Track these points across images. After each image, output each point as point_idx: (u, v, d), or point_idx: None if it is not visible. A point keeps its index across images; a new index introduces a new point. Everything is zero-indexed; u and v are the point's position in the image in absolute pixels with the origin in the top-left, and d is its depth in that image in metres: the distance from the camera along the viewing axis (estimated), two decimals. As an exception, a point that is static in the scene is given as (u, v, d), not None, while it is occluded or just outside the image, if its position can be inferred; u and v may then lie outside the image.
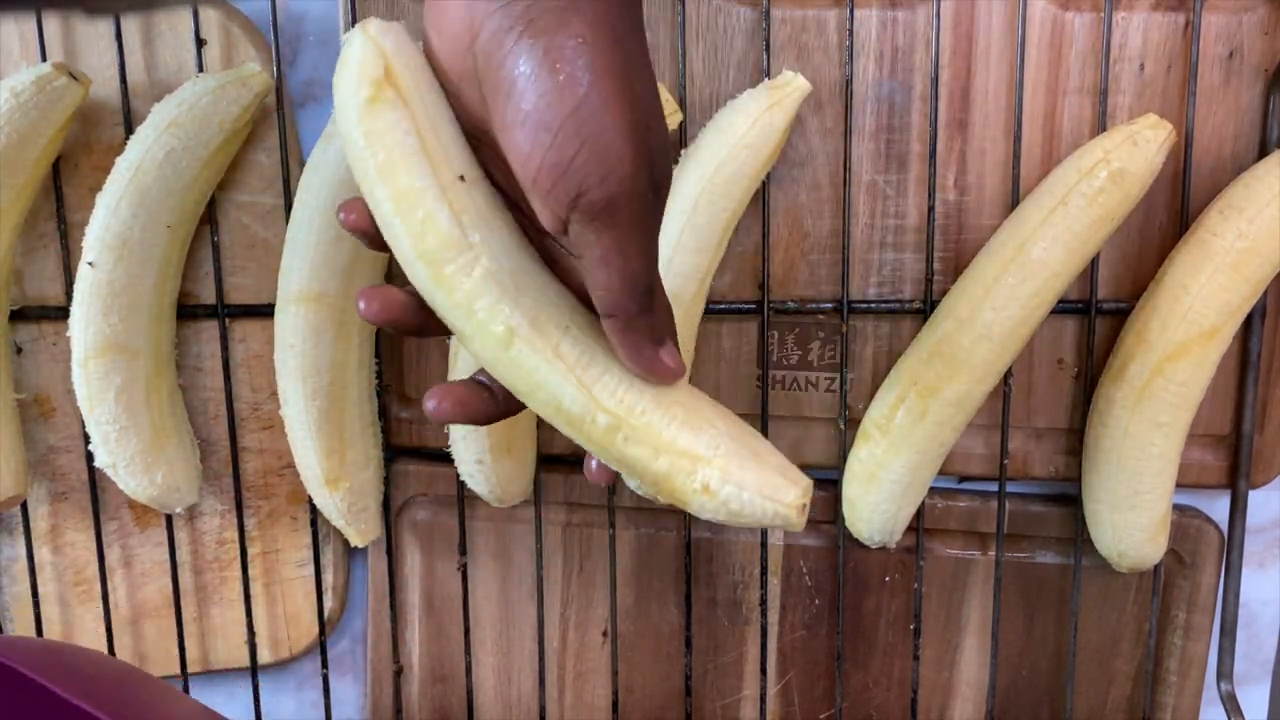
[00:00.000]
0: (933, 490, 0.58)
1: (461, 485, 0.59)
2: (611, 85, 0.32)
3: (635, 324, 0.35)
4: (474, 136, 0.36)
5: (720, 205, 0.52)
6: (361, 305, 0.37)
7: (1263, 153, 0.53)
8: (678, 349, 0.37)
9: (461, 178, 0.35)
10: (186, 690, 0.63)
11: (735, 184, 0.52)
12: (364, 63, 0.34)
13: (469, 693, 0.62)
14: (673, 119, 0.53)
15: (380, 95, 0.34)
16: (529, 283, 0.36)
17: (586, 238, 0.33)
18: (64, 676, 0.41)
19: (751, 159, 0.52)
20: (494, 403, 0.39)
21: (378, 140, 0.34)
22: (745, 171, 0.52)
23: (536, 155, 0.32)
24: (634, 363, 0.36)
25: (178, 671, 0.63)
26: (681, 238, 0.52)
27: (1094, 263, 0.54)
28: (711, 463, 0.36)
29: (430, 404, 0.38)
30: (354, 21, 0.56)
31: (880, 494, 0.54)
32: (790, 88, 0.52)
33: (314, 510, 0.61)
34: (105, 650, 0.63)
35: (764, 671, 0.60)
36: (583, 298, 0.38)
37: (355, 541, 0.59)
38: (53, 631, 0.64)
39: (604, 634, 0.62)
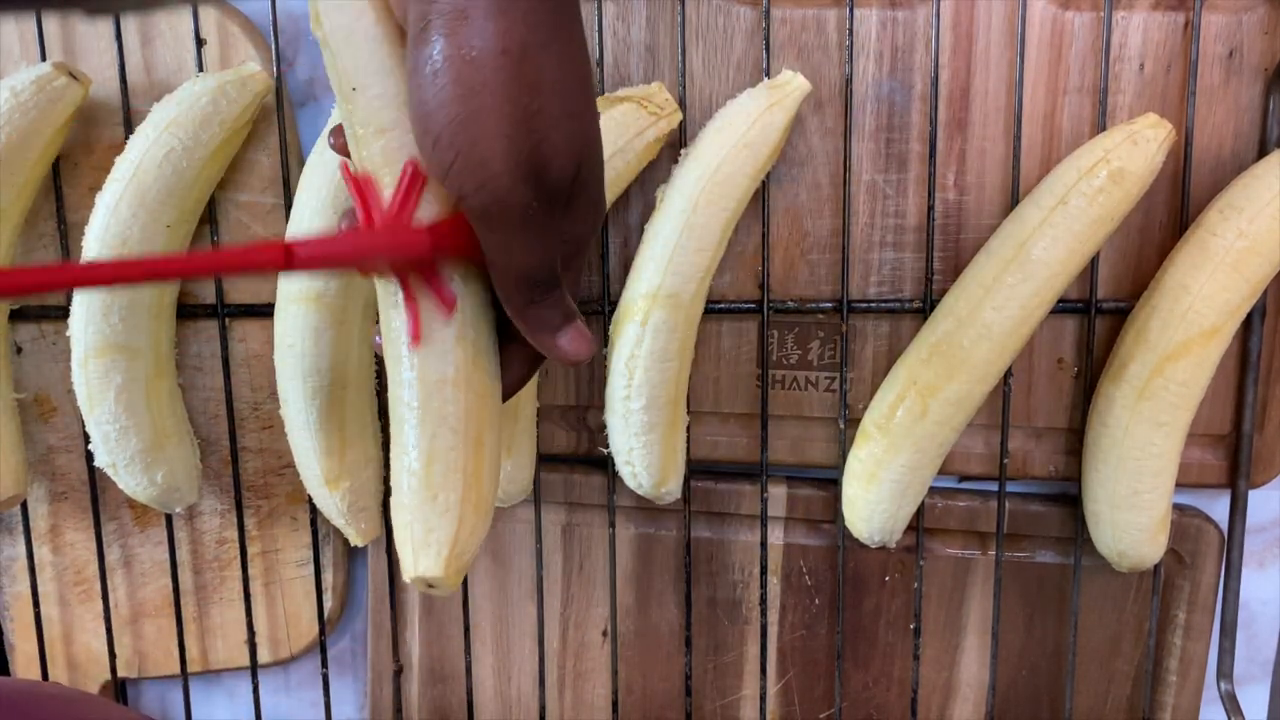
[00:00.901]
0: (933, 490, 0.58)
1: (461, 485, 0.59)
2: (496, 99, 0.33)
3: (525, 315, 0.37)
4: None
5: (720, 205, 0.52)
6: (332, 140, 0.40)
7: (1263, 152, 0.53)
8: (581, 332, 0.38)
9: None
10: (186, 691, 0.63)
11: (735, 183, 0.52)
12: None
13: (469, 693, 0.62)
14: (673, 119, 0.53)
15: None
16: None
17: (479, 234, 0.36)
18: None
19: (751, 158, 0.52)
20: None
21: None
22: (745, 171, 0.52)
23: (424, 151, 0.34)
24: (538, 347, 0.38)
25: (177, 671, 0.63)
26: (681, 238, 0.52)
27: (1094, 262, 0.54)
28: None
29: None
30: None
31: (880, 493, 0.54)
32: (790, 87, 0.52)
33: (314, 510, 0.61)
34: (105, 651, 0.63)
35: (764, 671, 0.60)
36: None
37: (355, 541, 0.59)
38: (53, 631, 0.64)
39: (604, 634, 0.62)
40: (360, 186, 0.37)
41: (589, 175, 0.36)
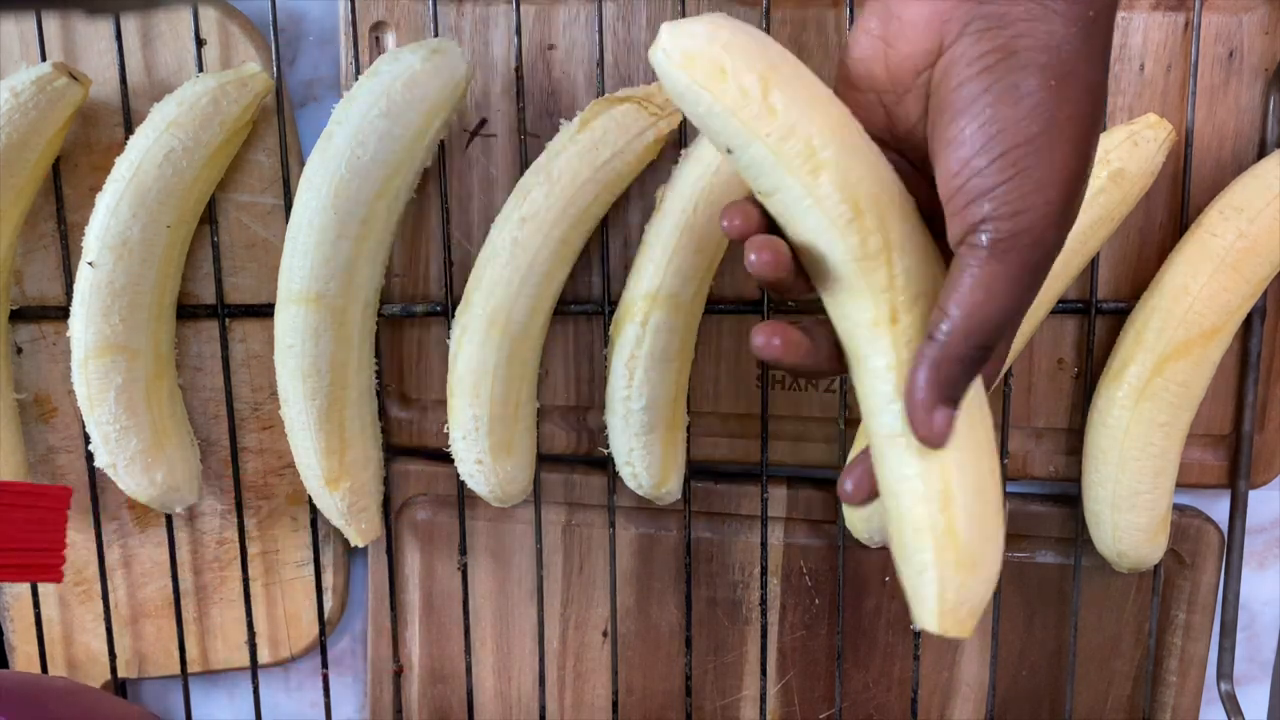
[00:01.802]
0: (933, 490, 0.58)
1: (461, 485, 0.59)
2: (1067, 133, 0.32)
3: (946, 364, 0.34)
4: (887, 141, 0.37)
5: (720, 205, 0.52)
6: (753, 258, 0.35)
7: (1263, 153, 0.53)
8: (953, 421, 0.35)
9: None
10: (186, 690, 0.63)
11: (734, 184, 0.52)
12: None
13: (469, 693, 0.62)
14: (673, 119, 0.53)
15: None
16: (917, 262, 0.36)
17: (968, 263, 0.33)
18: (19, 714, 0.40)
19: None
20: (814, 355, 0.38)
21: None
22: None
23: (964, 175, 0.33)
24: (909, 394, 0.35)
25: (177, 671, 0.63)
26: (681, 238, 0.52)
27: (1094, 263, 0.54)
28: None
29: (759, 339, 0.37)
30: (354, 21, 0.56)
31: (880, 494, 0.54)
32: None
33: (314, 510, 0.61)
34: (105, 651, 0.63)
35: (764, 671, 0.60)
36: None
37: (355, 541, 0.59)
38: (53, 631, 0.64)
39: (604, 634, 0.62)
40: None
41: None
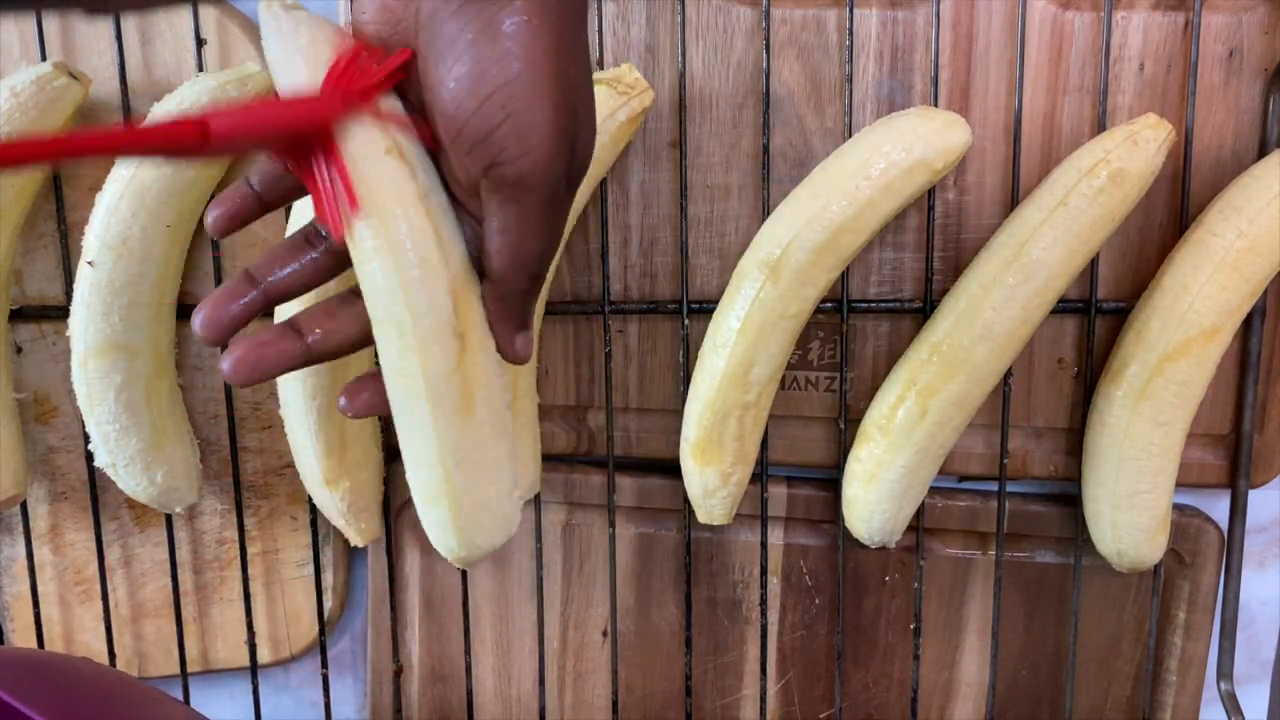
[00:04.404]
0: (933, 490, 0.58)
1: (461, 485, 0.59)
2: (547, 67, 0.33)
3: (510, 299, 0.37)
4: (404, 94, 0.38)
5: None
6: (342, 402, 0.41)
7: (1263, 153, 0.53)
8: (531, 339, 0.39)
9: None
10: (186, 690, 0.63)
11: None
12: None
13: (469, 692, 0.62)
14: (644, 97, 0.53)
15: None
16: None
17: (492, 205, 0.35)
18: (39, 693, 0.40)
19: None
20: (302, 349, 0.39)
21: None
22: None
23: (460, 118, 0.33)
24: (496, 331, 0.38)
25: (177, 671, 0.63)
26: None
27: (1094, 263, 0.54)
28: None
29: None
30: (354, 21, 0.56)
31: (880, 494, 0.54)
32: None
33: (314, 510, 0.61)
34: (105, 651, 0.63)
35: (764, 671, 0.60)
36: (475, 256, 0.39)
37: (355, 541, 0.59)
38: (53, 631, 0.64)
39: (604, 634, 0.62)
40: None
41: (585, 172, 0.37)
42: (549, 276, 0.41)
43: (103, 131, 0.32)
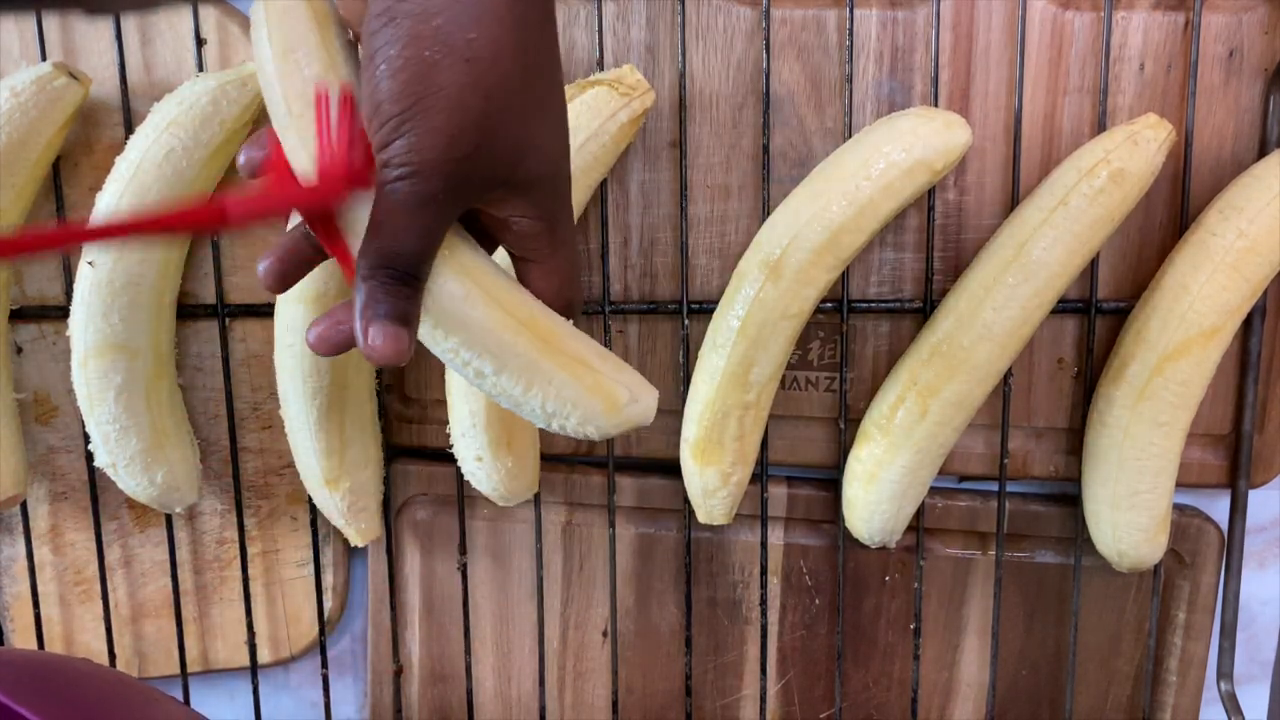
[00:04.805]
0: (933, 490, 0.58)
1: (461, 485, 0.59)
2: (444, 99, 0.35)
3: (362, 285, 0.37)
4: None
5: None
6: (310, 336, 0.40)
7: (1263, 153, 0.53)
8: (404, 335, 0.37)
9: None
10: (186, 690, 0.63)
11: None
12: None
13: (469, 693, 0.62)
14: (645, 98, 0.53)
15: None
16: None
17: (378, 194, 0.36)
18: (41, 696, 0.40)
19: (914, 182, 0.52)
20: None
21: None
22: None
23: (369, 122, 0.36)
24: (355, 324, 0.37)
25: (178, 671, 0.63)
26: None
27: (1094, 263, 0.54)
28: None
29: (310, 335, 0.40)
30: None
31: (880, 494, 0.54)
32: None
33: (314, 510, 0.61)
34: (105, 651, 0.63)
35: (764, 671, 0.60)
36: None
37: (355, 541, 0.59)
38: (53, 631, 0.64)
39: (604, 634, 0.62)
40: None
41: (550, 170, 0.38)
42: (559, 231, 0.40)
43: (127, 220, 0.34)
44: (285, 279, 0.41)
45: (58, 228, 0.31)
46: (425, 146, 0.35)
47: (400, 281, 0.37)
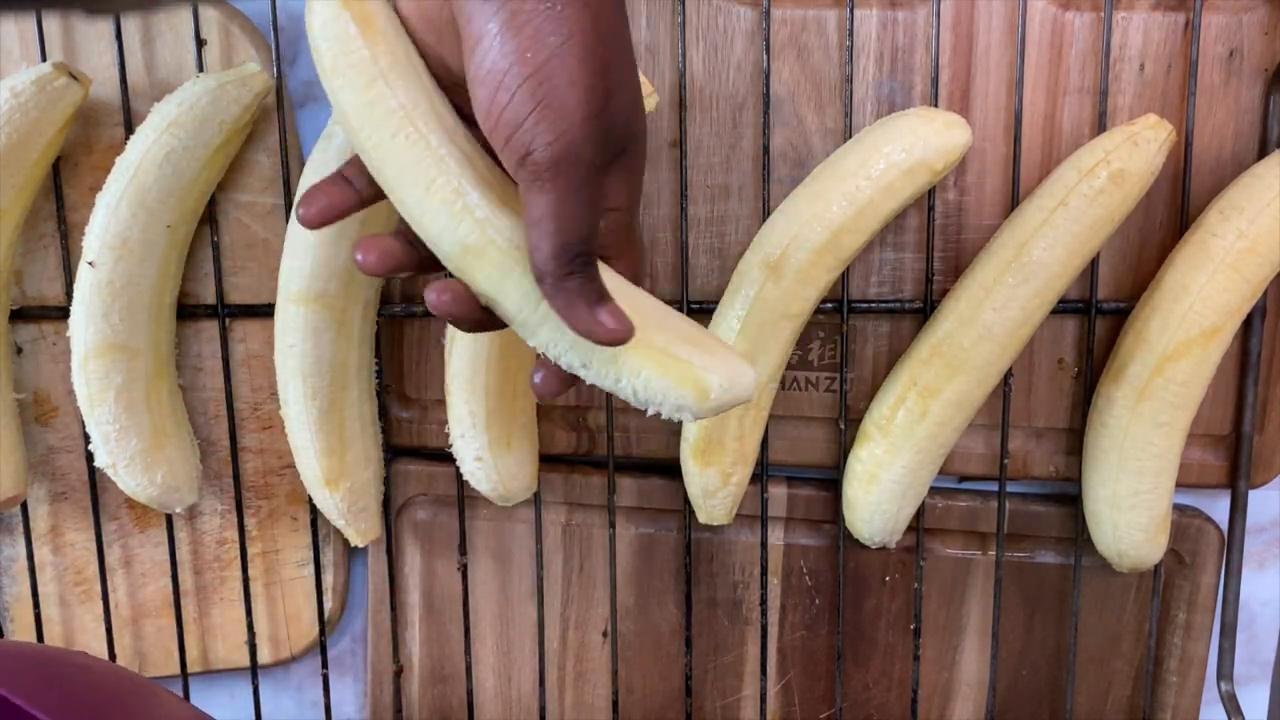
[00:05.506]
0: (933, 490, 0.58)
1: (461, 485, 0.59)
2: (575, 52, 0.33)
3: (563, 286, 0.36)
4: (451, 87, 0.38)
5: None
6: (359, 257, 0.39)
7: (1263, 153, 0.53)
8: (619, 312, 0.37)
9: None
10: (186, 691, 0.63)
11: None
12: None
13: (469, 693, 0.62)
14: (649, 100, 0.53)
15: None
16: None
17: (529, 198, 0.35)
18: (39, 689, 0.40)
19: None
20: (415, 256, 0.40)
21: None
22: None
23: (495, 112, 0.34)
24: (571, 325, 0.37)
25: (178, 671, 0.63)
26: None
27: (1094, 263, 0.54)
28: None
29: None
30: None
31: (880, 494, 0.54)
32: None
33: (314, 510, 0.61)
34: (105, 651, 0.63)
35: (764, 671, 0.60)
36: None
37: (355, 541, 0.59)
38: (53, 631, 0.64)
39: (604, 634, 0.62)
40: None
41: (641, 143, 0.37)
42: (636, 221, 0.41)
43: None
44: (325, 219, 0.41)
45: None
46: (570, 106, 0.33)
47: (590, 264, 0.36)
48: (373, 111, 0.37)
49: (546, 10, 0.33)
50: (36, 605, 0.62)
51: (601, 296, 0.36)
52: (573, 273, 0.36)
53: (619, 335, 0.36)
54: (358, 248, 0.39)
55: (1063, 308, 0.54)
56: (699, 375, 0.38)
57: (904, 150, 0.51)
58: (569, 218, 0.35)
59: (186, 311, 0.59)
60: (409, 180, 0.37)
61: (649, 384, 0.38)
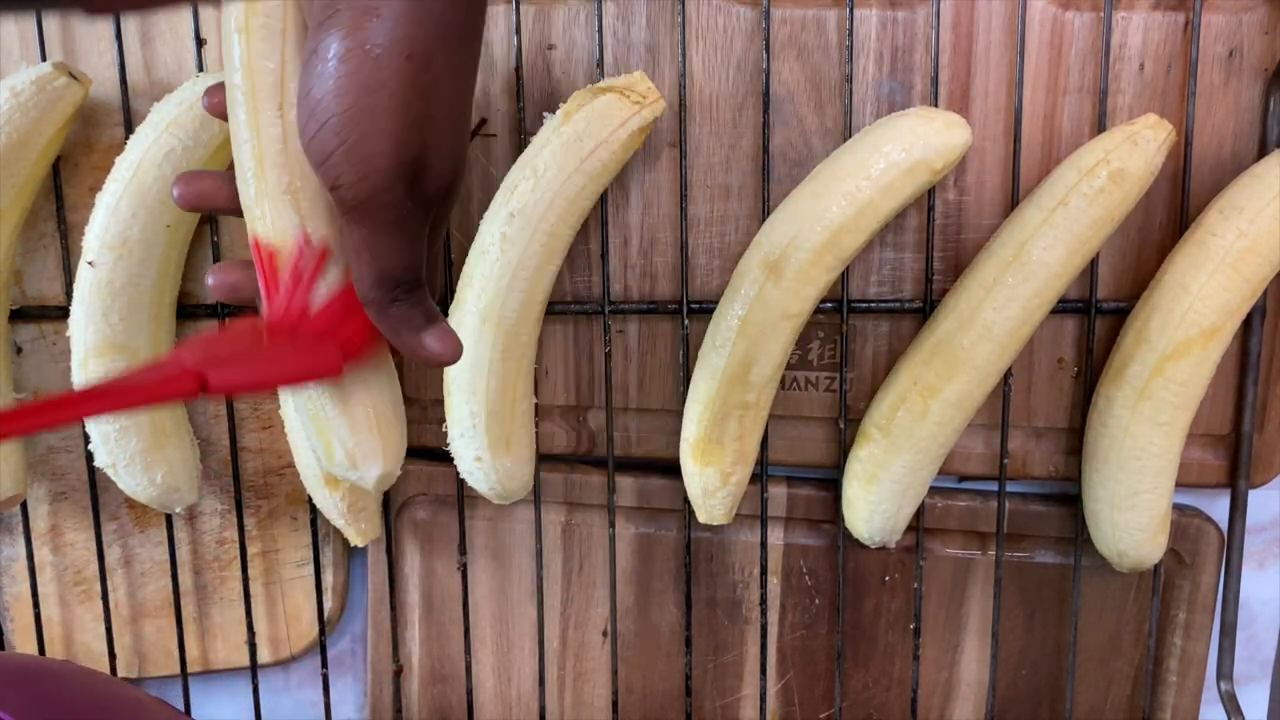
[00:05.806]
0: (933, 490, 0.58)
1: (461, 484, 0.59)
2: (386, 104, 0.33)
3: (387, 313, 0.37)
4: None
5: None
6: (176, 193, 0.41)
7: (1263, 152, 0.53)
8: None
9: None
10: (186, 690, 0.63)
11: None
12: None
13: (469, 693, 0.62)
14: (655, 107, 0.53)
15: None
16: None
17: (344, 227, 0.35)
18: (22, 703, 0.40)
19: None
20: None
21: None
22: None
23: (305, 135, 0.34)
24: (399, 348, 0.38)
25: (177, 671, 0.63)
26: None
27: (1094, 263, 0.54)
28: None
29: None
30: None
31: (880, 494, 0.54)
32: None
33: (314, 510, 0.61)
34: (105, 651, 0.63)
35: (764, 671, 0.60)
36: None
37: (355, 541, 0.59)
38: (52, 631, 0.64)
39: (604, 634, 0.62)
40: (264, 264, 0.38)
41: (457, 185, 0.37)
42: (437, 250, 0.41)
43: (104, 389, 0.34)
44: (194, 205, 0.42)
45: (41, 404, 0.31)
46: (374, 153, 0.33)
47: (414, 289, 0.37)
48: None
49: (365, 53, 0.32)
50: (36, 605, 0.62)
51: (429, 319, 0.37)
52: (397, 300, 0.36)
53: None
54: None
55: (1063, 307, 0.54)
56: (337, 441, 0.40)
57: (904, 150, 0.51)
58: (386, 251, 0.35)
59: (186, 311, 0.59)
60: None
61: (312, 419, 0.40)
